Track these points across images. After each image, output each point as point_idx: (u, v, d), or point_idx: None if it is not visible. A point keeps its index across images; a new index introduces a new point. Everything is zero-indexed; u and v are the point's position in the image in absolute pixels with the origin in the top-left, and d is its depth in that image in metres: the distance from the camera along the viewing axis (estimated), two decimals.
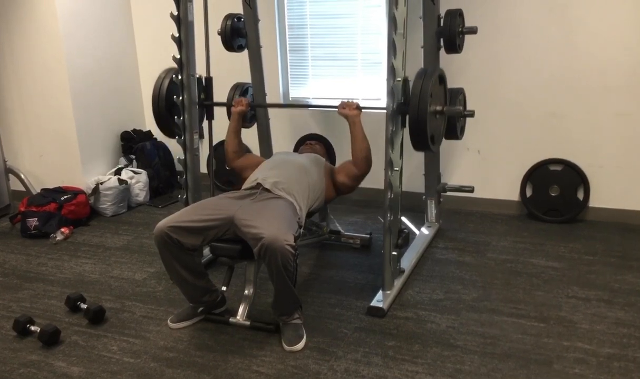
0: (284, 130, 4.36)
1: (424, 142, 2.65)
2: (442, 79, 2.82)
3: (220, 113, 3.47)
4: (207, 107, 3.34)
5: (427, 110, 2.57)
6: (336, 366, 2.36)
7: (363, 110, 2.96)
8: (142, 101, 4.97)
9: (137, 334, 2.67)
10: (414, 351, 2.45)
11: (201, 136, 3.28)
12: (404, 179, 2.80)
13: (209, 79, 3.30)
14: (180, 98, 3.10)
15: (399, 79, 2.64)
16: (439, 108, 2.77)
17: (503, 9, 3.74)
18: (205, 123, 3.39)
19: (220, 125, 3.44)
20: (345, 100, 2.99)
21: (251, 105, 3.24)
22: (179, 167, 3.27)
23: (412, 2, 2.89)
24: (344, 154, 3.18)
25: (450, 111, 2.86)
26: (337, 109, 3.00)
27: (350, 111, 2.93)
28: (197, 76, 3.19)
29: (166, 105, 3.16)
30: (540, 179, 3.89)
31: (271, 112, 3.89)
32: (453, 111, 2.85)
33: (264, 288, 2.90)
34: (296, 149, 3.65)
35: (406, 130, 2.70)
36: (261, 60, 3.73)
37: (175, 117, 3.14)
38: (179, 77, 3.08)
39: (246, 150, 3.41)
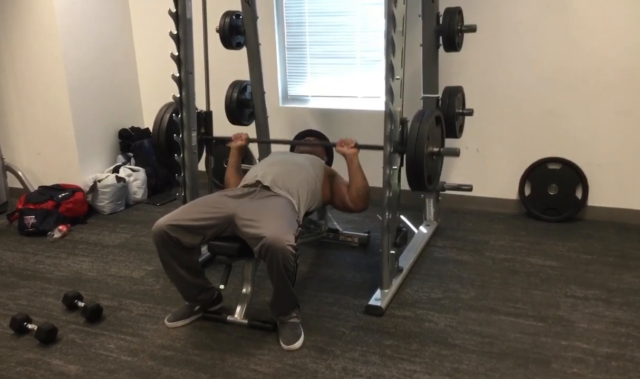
0: (282, 128, 4.35)
1: (421, 183, 2.69)
2: (438, 120, 2.85)
3: (219, 112, 3.46)
4: (206, 142, 3.34)
5: (424, 153, 2.61)
6: (334, 365, 2.36)
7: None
8: (140, 99, 4.96)
9: (135, 332, 2.66)
10: (412, 350, 2.45)
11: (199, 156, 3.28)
12: (402, 177, 2.80)
13: (208, 113, 3.31)
14: (181, 136, 3.10)
15: (399, 128, 2.66)
16: (435, 149, 2.79)
17: (502, 7, 3.74)
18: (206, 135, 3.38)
19: (218, 121, 3.43)
20: (343, 138, 2.98)
21: (250, 140, 3.23)
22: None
23: (411, 0, 2.88)
24: (340, 159, 3.16)
25: (446, 152, 2.89)
26: (334, 147, 3.00)
27: (348, 149, 2.92)
28: (197, 110, 3.20)
29: (166, 141, 3.16)
30: (539, 178, 3.89)
31: (269, 110, 3.88)
32: (449, 152, 2.87)
33: (262, 287, 2.89)
34: (295, 144, 3.61)
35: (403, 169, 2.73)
36: (260, 58, 3.73)
37: (175, 155, 3.14)
38: (179, 116, 3.08)
39: (244, 155, 3.37)
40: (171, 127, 3.15)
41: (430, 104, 3.40)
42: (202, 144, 3.32)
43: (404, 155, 2.70)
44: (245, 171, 3.10)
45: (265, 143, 3.85)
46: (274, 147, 3.92)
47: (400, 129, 2.69)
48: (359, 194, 2.92)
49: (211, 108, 3.36)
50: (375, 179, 2.93)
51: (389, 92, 2.63)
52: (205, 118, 3.29)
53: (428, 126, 2.62)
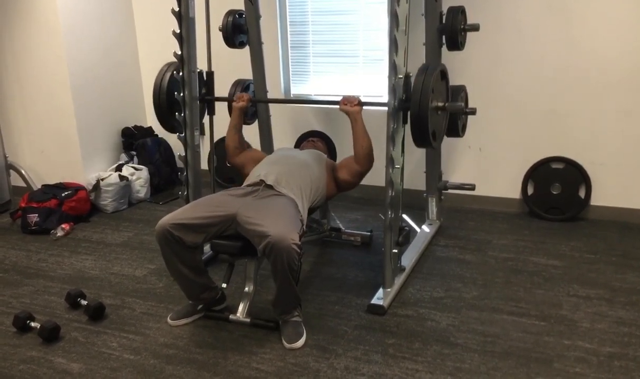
0: (284, 127, 4.36)
1: (426, 138, 2.64)
2: (444, 75, 2.81)
3: (221, 110, 3.47)
4: (208, 102, 3.32)
5: (429, 106, 2.56)
6: (336, 364, 2.36)
7: (364, 107, 2.94)
8: (143, 97, 4.96)
9: (137, 331, 2.67)
10: (414, 349, 2.45)
11: (202, 132, 3.27)
12: (405, 176, 2.79)
13: (210, 74, 3.29)
14: (182, 94, 3.09)
15: (400, 76, 2.63)
16: (440, 104, 2.75)
17: (505, 7, 3.73)
18: (206, 119, 3.38)
19: (222, 122, 3.43)
20: (347, 95, 2.96)
21: (252, 101, 3.22)
22: (179, 164, 3.27)
23: None
24: (345, 151, 3.17)
25: (451, 107, 2.84)
26: (338, 105, 2.99)
27: (351, 107, 2.91)
28: (198, 70, 3.18)
29: (167, 100, 3.15)
30: (542, 177, 3.88)
31: (272, 108, 3.89)
32: (455, 107, 2.83)
33: (264, 286, 2.90)
34: (297, 146, 3.64)
35: (407, 127, 2.69)
36: (262, 57, 3.73)
37: (177, 113, 3.13)
38: (180, 73, 3.07)
39: (247, 146, 3.40)
40: (172, 85, 3.13)
41: None
42: (204, 104, 3.30)
43: (408, 113, 2.64)
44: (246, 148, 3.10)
45: (264, 102, 3.81)
46: (275, 135, 3.92)
47: (404, 82, 2.64)
48: (364, 152, 2.90)
49: (214, 112, 3.35)
50: (377, 178, 2.93)
51: (392, 91, 2.62)
52: (207, 78, 3.28)
53: (432, 79, 2.58)
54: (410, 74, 2.67)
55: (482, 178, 3.97)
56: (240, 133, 3.22)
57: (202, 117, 3.29)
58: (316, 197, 2.89)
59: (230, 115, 3.29)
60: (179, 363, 2.40)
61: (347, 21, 4.20)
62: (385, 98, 2.70)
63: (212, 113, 3.36)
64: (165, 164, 4.79)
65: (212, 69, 3.32)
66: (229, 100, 3.34)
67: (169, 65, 3.20)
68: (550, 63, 3.71)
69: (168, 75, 3.16)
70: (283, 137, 4.21)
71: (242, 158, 3.19)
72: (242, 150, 3.23)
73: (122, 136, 4.76)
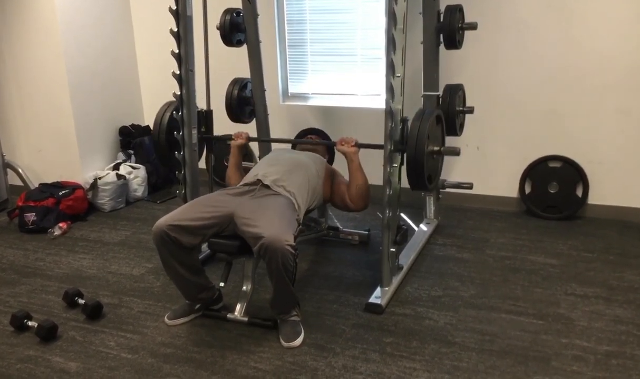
0: (282, 126, 4.35)
1: (422, 182, 2.68)
2: (439, 120, 2.84)
3: (219, 111, 3.46)
4: (207, 141, 3.33)
5: (425, 152, 2.60)
6: (334, 363, 2.36)
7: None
8: (141, 96, 4.95)
9: (135, 329, 2.67)
10: (412, 347, 2.45)
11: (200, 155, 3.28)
12: (402, 175, 2.80)
13: (209, 112, 3.30)
14: (181, 133, 3.10)
15: (400, 124, 2.65)
16: (436, 148, 2.78)
17: (503, 5, 3.73)
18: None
19: (219, 120, 3.43)
20: (344, 137, 2.97)
21: (250, 139, 3.23)
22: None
23: None
24: (341, 157, 3.16)
25: (447, 151, 2.87)
26: (335, 146, 2.99)
27: (348, 148, 2.91)
28: (198, 109, 3.19)
29: (166, 139, 3.16)
30: (539, 176, 3.88)
31: (270, 108, 3.88)
32: (449, 151, 2.86)
33: (262, 284, 2.89)
34: (296, 143, 3.61)
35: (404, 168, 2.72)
36: (260, 55, 3.72)
37: (176, 152, 3.14)
38: (180, 113, 3.08)
39: (245, 153, 3.36)
40: (171, 125, 3.15)
41: (430, 102, 3.40)
42: (203, 143, 3.31)
43: (404, 154, 2.69)
44: (246, 170, 3.11)
45: (265, 142, 3.84)
46: (275, 145, 3.92)
47: (400, 128, 2.68)
48: (358, 193, 2.91)
49: (212, 106, 3.36)
50: (375, 177, 2.93)
51: (390, 90, 2.63)
52: (206, 117, 3.29)
53: (428, 125, 2.62)
54: (407, 119, 2.69)
55: (479, 176, 3.97)
56: (240, 171, 3.18)
57: (200, 155, 3.30)
58: (314, 199, 2.89)
59: (228, 116, 3.26)
60: (177, 362, 2.40)
61: (345, 20, 4.20)
62: (382, 97, 2.70)
63: (210, 151, 3.37)
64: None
65: (210, 69, 3.32)
66: (228, 138, 3.27)
67: (169, 104, 3.20)
68: (548, 62, 3.71)
69: (167, 115, 3.16)
70: (281, 135, 4.21)
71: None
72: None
73: (119, 135, 4.75)
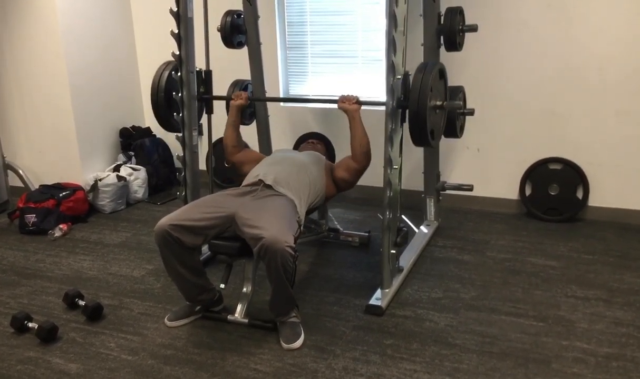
0: (283, 128, 4.36)
1: (424, 136, 2.64)
2: (442, 74, 2.81)
3: (219, 110, 3.46)
4: (206, 101, 3.32)
5: (427, 105, 2.56)
6: (334, 365, 2.36)
7: (363, 106, 2.95)
8: (142, 98, 4.96)
9: (135, 331, 2.66)
10: (412, 349, 2.45)
11: (200, 133, 3.27)
12: (403, 177, 2.80)
13: (208, 72, 3.28)
14: (180, 94, 3.09)
15: (399, 77, 2.63)
16: (439, 102, 2.75)
17: (504, 7, 3.73)
18: (204, 119, 3.37)
19: (220, 123, 3.43)
20: (345, 94, 2.97)
21: (250, 99, 3.22)
22: (178, 164, 3.26)
23: (412, 0, 2.88)
24: (343, 153, 3.17)
25: (450, 106, 2.84)
26: (336, 104, 2.99)
27: (349, 105, 2.92)
28: (197, 69, 3.17)
29: (165, 99, 3.15)
30: (540, 178, 3.88)
31: (270, 109, 3.89)
32: (453, 106, 2.83)
33: (263, 286, 2.89)
34: (296, 147, 3.64)
35: (406, 126, 2.69)
36: (261, 57, 3.73)
37: (175, 113, 3.13)
38: (178, 74, 3.07)
39: (245, 146, 3.39)
40: (170, 84, 3.13)
41: None
42: (202, 103, 3.29)
43: (407, 111, 2.65)
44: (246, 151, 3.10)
45: (262, 100, 3.81)
46: (274, 137, 3.92)
47: (402, 81, 2.64)
48: (362, 150, 2.91)
49: (212, 111, 3.35)
50: (375, 179, 2.93)
51: (391, 92, 2.63)
52: (205, 77, 3.27)
53: (431, 78, 2.58)
54: (409, 73, 2.67)
55: (480, 179, 3.97)
56: (237, 132, 3.22)
57: (200, 116, 3.29)
58: (315, 198, 2.89)
59: (228, 115, 3.28)
60: (177, 364, 2.40)
61: (346, 22, 4.20)
62: (383, 100, 2.70)
63: (210, 112, 3.35)
64: (163, 164, 4.79)
65: (210, 69, 3.32)
66: (227, 98, 3.33)
67: (167, 63, 3.19)
68: (548, 64, 3.72)
69: (166, 73, 3.15)
70: (281, 138, 4.21)
71: (241, 157, 3.19)
72: (241, 149, 3.23)
73: (120, 136, 4.75)
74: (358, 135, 2.91)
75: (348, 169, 2.99)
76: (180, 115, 3.10)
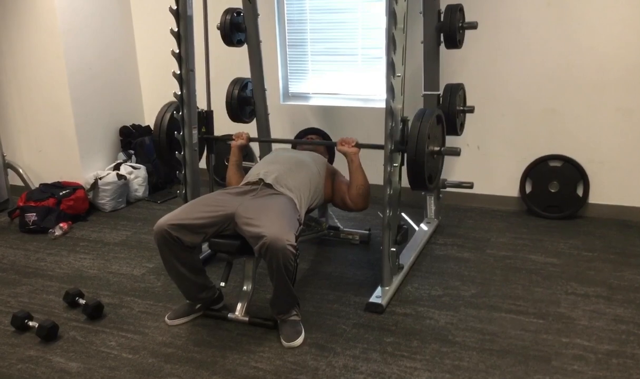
0: (283, 126, 4.35)
1: (422, 182, 2.68)
2: (439, 120, 2.83)
3: (218, 109, 3.46)
4: (207, 141, 3.33)
5: (425, 152, 2.59)
6: (334, 362, 2.36)
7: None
8: (141, 96, 4.96)
9: (136, 329, 2.67)
10: (413, 347, 2.45)
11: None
12: (403, 174, 2.80)
13: (209, 113, 3.30)
14: (181, 133, 3.10)
15: (400, 125, 2.65)
16: (436, 148, 2.77)
17: (503, 5, 3.73)
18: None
19: (219, 121, 3.43)
20: (344, 137, 2.97)
21: (251, 140, 3.23)
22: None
23: None
24: (341, 155, 3.16)
25: (447, 151, 2.87)
26: (335, 146, 2.99)
27: (349, 148, 2.91)
28: (198, 110, 3.19)
29: (167, 140, 3.16)
30: (540, 175, 3.88)
31: (270, 108, 3.88)
32: (450, 151, 2.85)
33: (263, 284, 2.90)
34: (296, 142, 3.62)
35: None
36: (260, 55, 3.72)
37: (176, 152, 3.14)
38: (180, 113, 3.08)
39: (245, 153, 3.36)
40: (172, 125, 3.15)
41: (431, 101, 3.40)
42: (203, 143, 3.32)
43: (405, 154, 2.69)
44: (246, 169, 3.11)
45: (265, 142, 3.84)
46: (276, 146, 3.92)
47: (401, 128, 2.68)
48: (359, 193, 2.92)
49: (212, 106, 3.36)
50: (376, 176, 2.93)
51: (390, 89, 2.63)
52: (206, 117, 3.29)
53: (429, 125, 2.62)
54: (408, 119, 2.69)
55: (480, 176, 3.97)
56: (241, 171, 3.19)
57: (201, 156, 3.30)
58: (315, 198, 2.89)
59: (229, 116, 3.27)
60: (178, 362, 2.40)
61: (345, 19, 4.20)
62: (382, 98, 2.70)
63: (211, 151, 3.37)
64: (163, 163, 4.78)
65: (210, 69, 3.32)
66: (229, 138, 3.29)
67: (169, 105, 3.20)
68: (548, 61, 3.71)
69: (168, 115, 3.16)
70: (282, 135, 4.21)
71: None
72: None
73: (120, 135, 4.75)
74: (356, 178, 2.91)
75: (343, 202, 3.02)
76: (182, 153, 3.12)
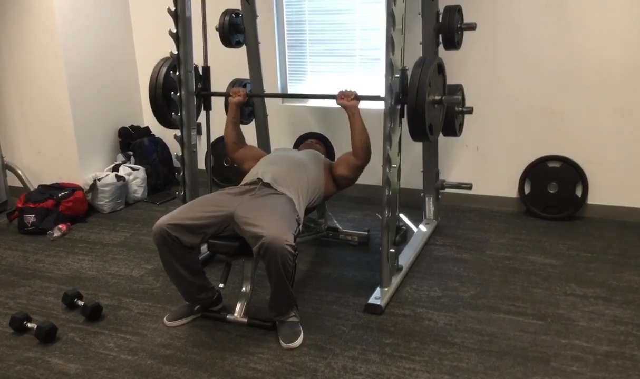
0: (282, 127, 4.35)
1: (422, 131, 2.64)
2: (440, 68, 2.80)
3: (218, 108, 3.46)
4: (204, 97, 3.31)
5: (426, 99, 2.56)
6: (333, 364, 2.36)
7: (362, 106, 2.94)
8: (140, 97, 4.95)
9: (134, 331, 2.66)
10: (412, 348, 2.45)
11: (199, 132, 3.26)
12: (402, 176, 2.80)
13: (206, 69, 3.28)
14: (178, 94, 3.08)
15: (397, 76, 2.63)
16: (437, 97, 2.75)
17: (502, 6, 3.73)
18: (202, 116, 3.36)
19: (218, 121, 3.43)
20: (343, 90, 2.95)
21: (249, 96, 3.21)
22: (176, 163, 3.27)
23: None
24: (342, 152, 3.17)
25: (449, 100, 2.83)
26: (335, 101, 2.98)
27: (348, 101, 2.91)
28: (194, 66, 3.17)
29: (163, 96, 3.14)
30: (539, 176, 3.88)
31: (269, 108, 3.88)
32: (452, 100, 2.82)
33: (262, 285, 2.89)
34: (296, 147, 3.64)
35: (404, 124, 2.69)
36: (259, 56, 3.72)
37: (173, 113, 3.12)
38: (177, 73, 3.06)
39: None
40: (168, 81, 3.12)
41: None
42: (200, 100, 3.29)
43: (405, 107, 2.65)
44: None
45: (260, 97, 3.80)
46: (273, 136, 3.92)
47: (400, 77, 2.64)
48: (362, 146, 2.91)
49: (211, 107, 3.35)
50: (375, 178, 2.93)
51: (389, 90, 2.62)
52: (203, 74, 3.27)
53: (429, 73, 2.59)
54: (407, 68, 2.67)
55: (479, 177, 3.97)
56: (238, 128, 3.21)
57: (198, 112, 3.28)
58: (314, 197, 2.89)
59: (226, 113, 3.28)
60: (176, 363, 2.40)
61: (344, 20, 4.20)
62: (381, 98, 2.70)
63: (208, 108, 3.35)
64: (162, 164, 4.78)
65: (209, 65, 3.32)
66: (226, 94, 3.32)
67: (165, 60, 3.19)
68: (547, 62, 3.72)
69: (164, 70, 3.15)
70: (280, 137, 4.21)
71: (242, 154, 3.19)
72: (242, 145, 3.22)
73: (119, 136, 4.74)
74: (358, 130, 2.90)
75: (348, 165, 2.99)
76: (179, 114, 3.10)
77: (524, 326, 2.58)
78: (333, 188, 3.06)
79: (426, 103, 2.57)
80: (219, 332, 2.62)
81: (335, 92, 2.99)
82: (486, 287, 2.95)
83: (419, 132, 2.64)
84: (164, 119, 3.22)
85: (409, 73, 2.64)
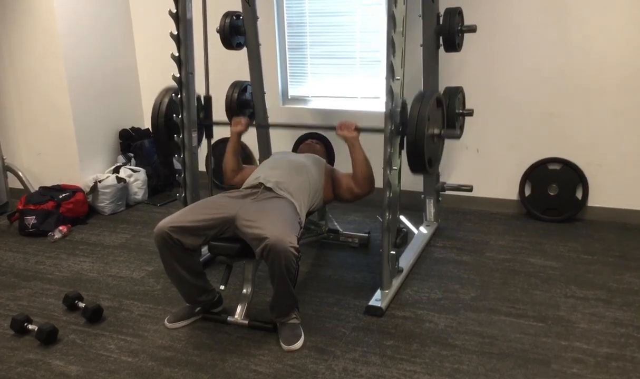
0: (282, 129, 4.35)
1: (422, 165, 2.67)
2: (439, 102, 2.82)
3: (218, 108, 3.47)
4: (206, 127, 3.33)
5: (425, 134, 2.58)
6: (334, 366, 2.36)
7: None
8: (141, 99, 4.96)
9: (135, 333, 2.67)
10: (412, 350, 2.45)
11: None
12: (402, 178, 2.80)
13: (208, 98, 3.30)
14: (180, 116, 3.10)
15: (398, 109, 2.64)
16: (436, 131, 2.76)
17: (502, 8, 3.74)
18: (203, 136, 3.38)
19: (219, 125, 3.43)
20: (344, 121, 2.94)
21: (250, 125, 3.22)
22: (177, 165, 3.26)
23: (412, 1, 2.88)
24: (343, 154, 3.16)
25: (447, 134, 2.85)
26: (335, 131, 2.97)
27: (348, 133, 2.89)
28: (196, 95, 3.19)
29: (165, 124, 3.15)
30: (539, 178, 3.89)
31: (270, 110, 3.88)
32: (450, 135, 2.84)
33: (262, 287, 2.90)
34: (295, 148, 3.64)
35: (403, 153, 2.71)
36: (260, 58, 3.72)
37: (175, 136, 3.14)
38: (179, 96, 3.08)
39: (245, 155, 3.36)
40: (170, 109, 3.13)
41: None
42: (202, 129, 3.30)
43: (405, 138, 2.66)
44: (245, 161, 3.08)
45: (264, 127, 3.82)
46: (273, 139, 3.92)
47: (400, 110, 2.66)
48: (364, 176, 2.90)
49: (212, 136, 3.36)
50: (375, 180, 2.93)
51: (390, 93, 2.63)
52: (205, 103, 3.28)
53: (429, 108, 2.60)
54: (407, 102, 2.69)
55: (479, 179, 3.97)
56: (238, 157, 3.18)
57: (200, 141, 3.30)
58: (314, 201, 2.89)
59: (229, 120, 3.27)
60: (177, 365, 2.40)
61: (344, 23, 4.20)
62: (382, 99, 2.70)
63: (210, 136, 3.37)
64: (163, 166, 4.79)
65: (209, 72, 3.33)
66: (230, 113, 3.31)
67: (167, 89, 3.20)
68: (547, 64, 3.72)
69: (166, 99, 3.15)
70: (281, 139, 4.20)
71: (241, 177, 3.13)
72: (239, 171, 3.19)
73: (119, 138, 4.75)
74: (358, 161, 2.89)
75: (349, 191, 2.99)
76: (181, 136, 3.12)
77: (524, 328, 2.58)
78: (332, 195, 3.06)
79: (425, 138, 2.59)
80: (220, 334, 2.62)
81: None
82: (486, 289, 2.96)
83: (418, 165, 2.67)
84: (165, 147, 3.23)
85: (408, 107, 2.65)
